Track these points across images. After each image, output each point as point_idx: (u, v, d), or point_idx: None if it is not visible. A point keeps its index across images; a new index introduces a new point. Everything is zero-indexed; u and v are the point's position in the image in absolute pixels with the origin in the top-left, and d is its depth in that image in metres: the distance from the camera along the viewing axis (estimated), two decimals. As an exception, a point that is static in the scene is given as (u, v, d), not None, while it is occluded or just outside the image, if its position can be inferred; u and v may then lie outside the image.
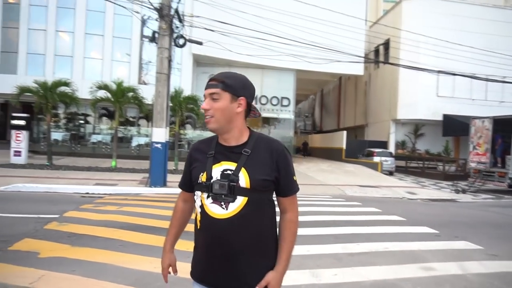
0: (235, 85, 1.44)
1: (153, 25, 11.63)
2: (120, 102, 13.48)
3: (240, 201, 1.40)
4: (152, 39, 11.11)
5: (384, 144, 23.44)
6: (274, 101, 22.25)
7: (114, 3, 13.78)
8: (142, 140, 19.56)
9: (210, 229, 1.44)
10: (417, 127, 23.94)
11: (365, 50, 22.68)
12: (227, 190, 1.39)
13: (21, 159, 13.47)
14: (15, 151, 13.53)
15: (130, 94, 13.67)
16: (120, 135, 17.93)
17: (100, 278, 3.47)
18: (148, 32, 11.82)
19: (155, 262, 3.73)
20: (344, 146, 23.95)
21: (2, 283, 3.31)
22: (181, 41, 11.27)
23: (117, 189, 9.58)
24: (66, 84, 13.82)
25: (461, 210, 9.40)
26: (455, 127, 20.90)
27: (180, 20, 11.26)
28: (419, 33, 20.02)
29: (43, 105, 13.53)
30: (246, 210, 1.40)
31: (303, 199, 9.34)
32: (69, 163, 14.46)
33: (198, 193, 1.48)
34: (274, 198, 1.53)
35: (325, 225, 6.19)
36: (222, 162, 1.44)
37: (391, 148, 23.26)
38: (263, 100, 22.07)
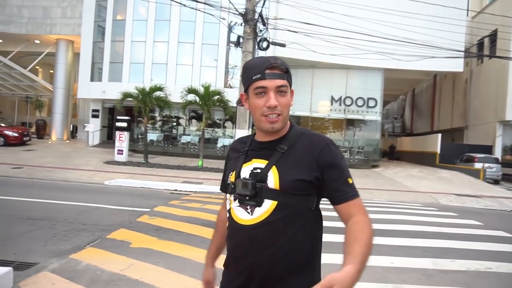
0: (290, 73, 1.21)
1: (239, 30, 12.05)
2: (207, 105, 14.27)
3: (268, 206, 1.15)
4: (237, 43, 11.53)
5: (488, 149, 20.68)
6: (360, 102, 21.22)
7: (204, 12, 14.67)
8: (227, 141, 20.40)
9: (234, 238, 1.23)
10: (532, 130, 20.68)
11: (465, 43, 20.32)
12: (250, 190, 1.16)
13: (123, 157, 15.12)
14: (118, 150, 15.25)
15: (216, 97, 14.38)
16: (207, 136, 18.98)
17: (181, 272, 3.65)
18: (233, 38, 12.31)
19: (231, 261, 3.79)
20: (438, 151, 21.75)
21: (100, 267, 3.69)
22: (264, 44, 11.48)
23: (202, 187, 10.12)
24: (160, 89, 15.17)
25: None
26: None
27: (264, 24, 11.48)
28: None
29: (142, 108, 15.04)
30: (274, 217, 1.14)
31: (388, 205, 8.71)
32: (162, 161, 15.77)
33: (228, 195, 1.30)
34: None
35: (413, 235, 5.65)
36: (253, 160, 1.23)
37: (497, 154, 20.39)
38: (348, 101, 21.23)
